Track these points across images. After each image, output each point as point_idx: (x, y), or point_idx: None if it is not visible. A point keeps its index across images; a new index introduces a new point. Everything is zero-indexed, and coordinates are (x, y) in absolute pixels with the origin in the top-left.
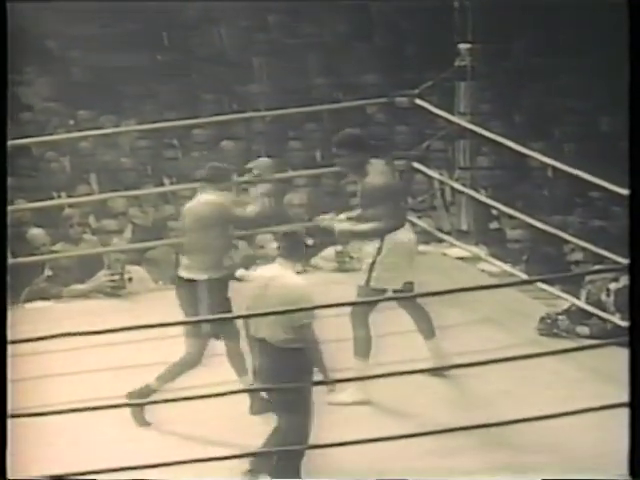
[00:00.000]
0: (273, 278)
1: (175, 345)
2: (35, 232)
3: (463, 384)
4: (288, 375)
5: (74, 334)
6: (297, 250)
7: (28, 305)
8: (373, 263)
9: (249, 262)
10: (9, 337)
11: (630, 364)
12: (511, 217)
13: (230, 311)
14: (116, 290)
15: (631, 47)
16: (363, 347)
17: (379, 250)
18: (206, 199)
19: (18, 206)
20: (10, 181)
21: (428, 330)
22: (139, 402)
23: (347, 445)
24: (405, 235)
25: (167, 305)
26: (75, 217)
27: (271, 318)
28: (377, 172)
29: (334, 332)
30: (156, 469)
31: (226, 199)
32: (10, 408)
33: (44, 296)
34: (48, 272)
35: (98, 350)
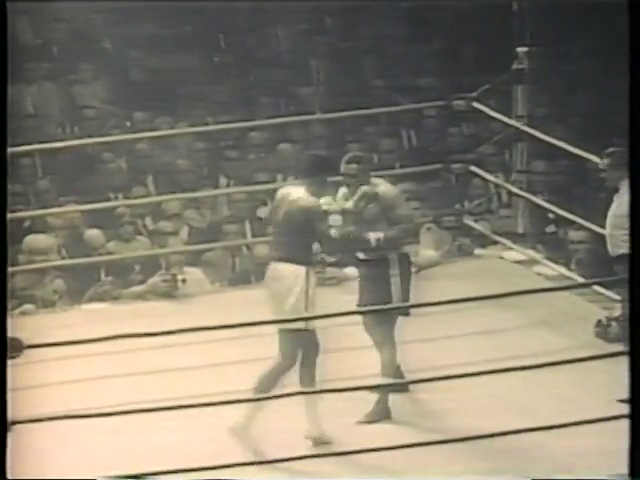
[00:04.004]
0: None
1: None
2: (91, 233)
3: (519, 386)
4: None
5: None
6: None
7: (84, 306)
8: None
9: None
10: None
11: (630, 364)
12: (568, 221)
13: None
14: (171, 291)
15: (631, 47)
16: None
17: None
18: None
19: (71, 207)
20: (62, 181)
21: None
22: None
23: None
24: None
25: (222, 306)
26: (127, 216)
27: None
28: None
29: None
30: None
31: None
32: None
33: (103, 298)
34: (108, 274)
35: (148, 352)
